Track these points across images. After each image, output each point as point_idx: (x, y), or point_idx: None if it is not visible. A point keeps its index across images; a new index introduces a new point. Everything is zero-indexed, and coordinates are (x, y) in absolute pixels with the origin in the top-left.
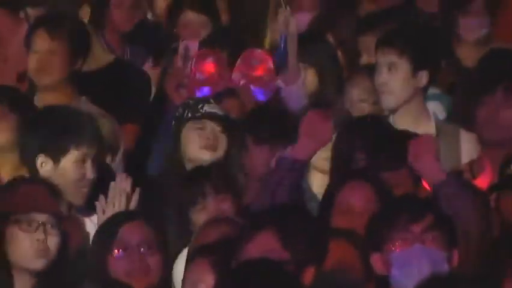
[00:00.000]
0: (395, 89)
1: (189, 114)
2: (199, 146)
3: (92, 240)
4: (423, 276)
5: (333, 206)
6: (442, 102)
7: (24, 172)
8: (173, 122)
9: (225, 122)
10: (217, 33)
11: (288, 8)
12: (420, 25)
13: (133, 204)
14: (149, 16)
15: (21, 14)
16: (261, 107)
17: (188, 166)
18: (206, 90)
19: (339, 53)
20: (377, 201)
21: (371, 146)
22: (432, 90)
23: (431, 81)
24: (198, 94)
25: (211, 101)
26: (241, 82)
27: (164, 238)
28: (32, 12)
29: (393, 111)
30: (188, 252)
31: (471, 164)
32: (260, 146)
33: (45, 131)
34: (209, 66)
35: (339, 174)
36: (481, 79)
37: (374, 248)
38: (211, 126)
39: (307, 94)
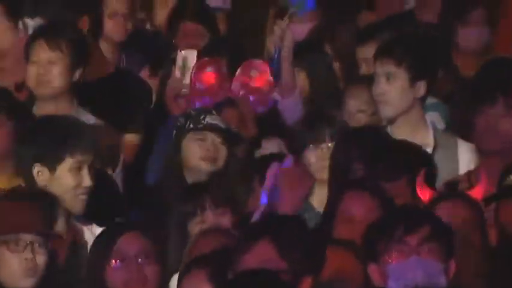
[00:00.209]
0: (393, 98)
1: (191, 125)
2: (199, 156)
3: (90, 250)
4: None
5: (334, 216)
6: (441, 112)
7: (20, 182)
8: (175, 131)
9: (226, 134)
10: (216, 42)
11: (286, 19)
12: (418, 35)
13: None
14: (148, 26)
15: (20, 24)
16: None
17: (188, 176)
18: (206, 100)
19: (337, 64)
20: (378, 210)
21: (369, 156)
22: (432, 100)
23: (429, 91)
24: (198, 104)
25: (213, 112)
26: (241, 92)
27: (162, 249)
28: (29, 22)
29: (391, 121)
30: (182, 263)
31: (469, 174)
32: None
33: (40, 140)
34: (209, 76)
35: (337, 184)
36: (481, 88)
37: (370, 259)
38: (212, 137)
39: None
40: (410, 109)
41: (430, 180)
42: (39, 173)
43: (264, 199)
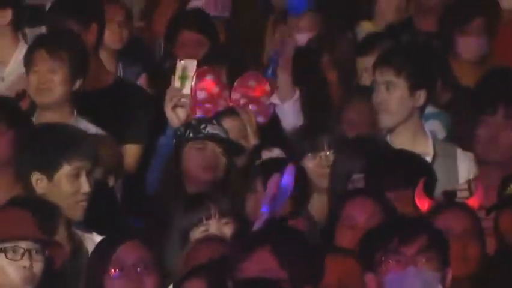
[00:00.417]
0: (393, 108)
1: (191, 134)
2: (198, 166)
3: (89, 259)
4: None
5: (337, 223)
6: (442, 120)
7: (20, 189)
8: (175, 140)
9: (226, 144)
10: (215, 51)
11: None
12: (417, 44)
13: None
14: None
15: (19, 34)
16: None
17: (187, 185)
18: (207, 108)
19: (337, 74)
20: (380, 217)
21: (369, 166)
22: (433, 109)
23: (429, 100)
24: (199, 112)
25: (214, 121)
26: (242, 102)
27: (161, 258)
28: (29, 31)
29: (391, 130)
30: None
31: (469, 183)
32: None
33: (37, 148)
34: (209, 85)
35: (338, 194)
36: (481, 98)
37: (367, 268)
38: (212, 147)
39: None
40: (410, 118)
41: (429, 190)
42: (38, 181)
43: (265, 208)
